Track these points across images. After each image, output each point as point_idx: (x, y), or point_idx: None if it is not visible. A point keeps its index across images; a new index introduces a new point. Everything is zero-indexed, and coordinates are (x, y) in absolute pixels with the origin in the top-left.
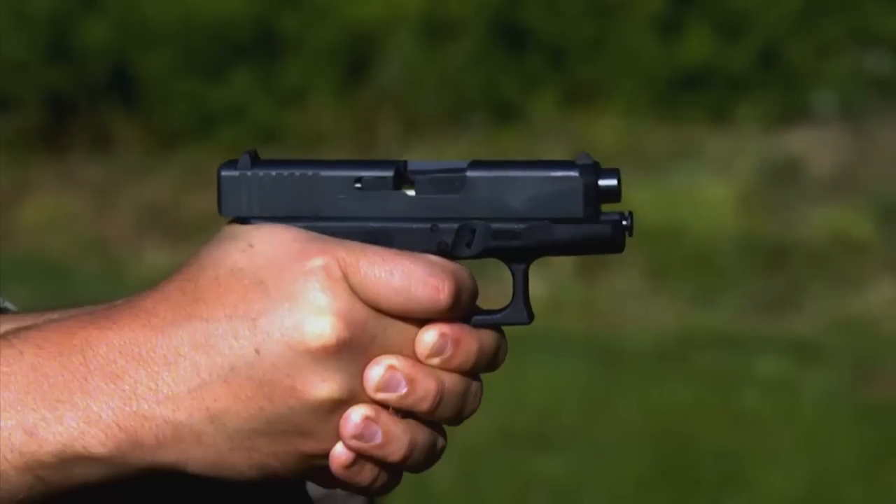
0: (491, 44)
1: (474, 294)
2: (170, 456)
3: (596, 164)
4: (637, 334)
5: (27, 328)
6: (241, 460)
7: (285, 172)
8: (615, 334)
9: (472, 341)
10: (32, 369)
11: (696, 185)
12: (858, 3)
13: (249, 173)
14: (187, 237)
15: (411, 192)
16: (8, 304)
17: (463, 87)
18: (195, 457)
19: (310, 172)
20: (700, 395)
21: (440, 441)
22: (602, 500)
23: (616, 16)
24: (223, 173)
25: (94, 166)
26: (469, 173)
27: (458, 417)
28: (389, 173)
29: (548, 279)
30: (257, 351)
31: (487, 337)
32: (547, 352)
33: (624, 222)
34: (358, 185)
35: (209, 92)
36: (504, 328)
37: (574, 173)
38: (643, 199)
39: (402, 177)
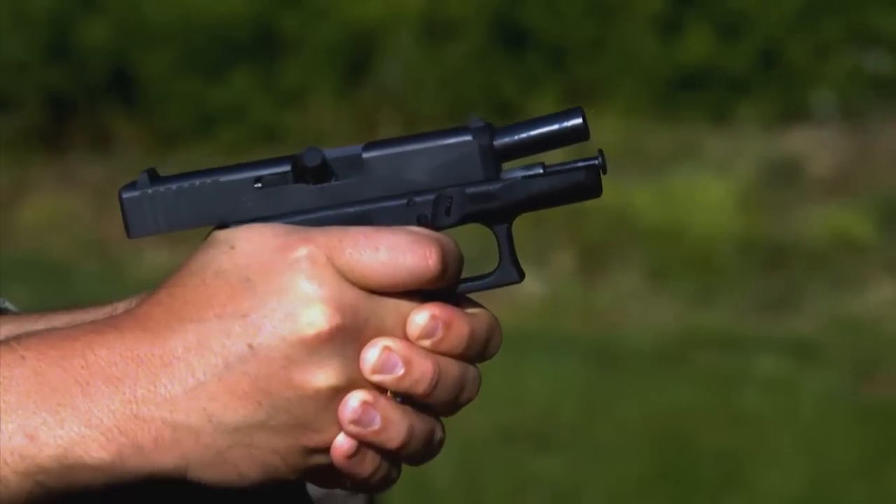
0: (491, 44)
1: (461, 261)
2: (169, 460)
3: (489, 124)
4: (637, 334)
5: (29, 334)
6: (241, 459)
7: (185, 184)
8: (615, 334)
9: (463, 325)
10: (34, 373)
11: (696, 185)
12: (858, 3)
13: (150, 191)
14: (187, 237)
15: (312, 184)
16: (8, 304)
17: (463, 87)
18: (195, 459)
19: (209, 180)
20: (700, 395)
21: (438, 431)
22: (602, 500)
23: (616, 16)
24: (124, 195)
25: (94, 166)
26: (365, 155)
27: (454, 404)
28: (287, 168)
29: (547, 279)
30: (250, 346)
31: (479, 322)
32: (546, 352)
33: (596, 162)
34: (258, 184)
35: (209, 92)
36: (503, 324)
37: (468, 137)
38: (643, 199)
39: (301, 170)
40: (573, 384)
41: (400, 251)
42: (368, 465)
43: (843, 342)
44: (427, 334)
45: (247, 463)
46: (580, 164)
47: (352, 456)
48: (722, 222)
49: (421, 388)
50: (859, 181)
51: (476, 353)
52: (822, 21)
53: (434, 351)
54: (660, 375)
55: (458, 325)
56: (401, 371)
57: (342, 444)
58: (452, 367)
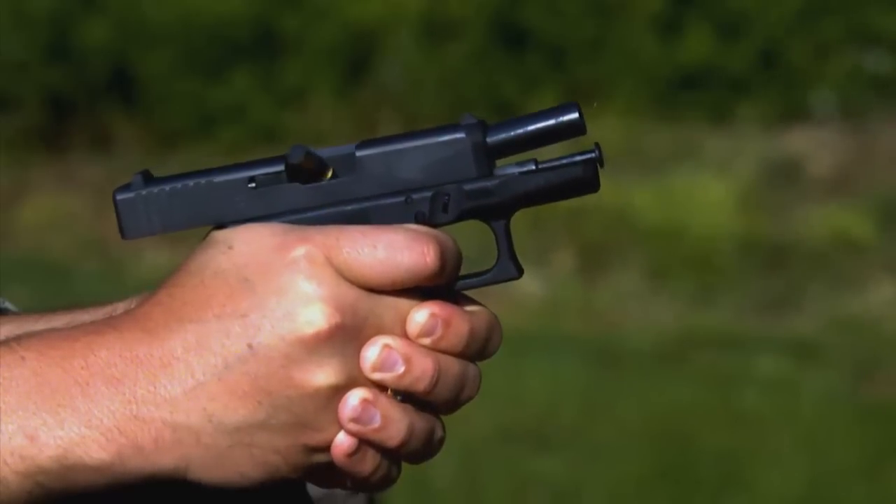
0: (491, 44)
1: (459, 258)
2: (169, 461)
3: (481, 122)
4: (637, 334)
5: (29, 334)
6: (242, 458)
7: (179, 185)
8: (615, 334)
9: (462, 323)
10: (34, 374)
11: (696, 185)
12: (858, 3)
13: (144, 192)
14: (187, 237)
15: (305, 183)
16: (8, 304)
17: (463, 87)
18: (195, 459)
19: (203, 181)
20: (700, 395)
21: (438, 429)
22: (602, 500)
23: (616, 16)
24: (118, 197)
25: (94, 166)
26: (359, 153)
27: (455, 402)
28: (281, 168)
29: (547, 279)
30: (250, 346)
31: (479, 319)
32: (546, 352)
33: (593, 155)
34: (252, 184)
35: (209, 92)
36: (503, 324)
37: (461, 135)
38: (643, 199)
39: (294, 169)
40: (573, 384)
41: (398, 249)
42: (369, 463)
43: (843, 342)
44: (427, 332)
45: (247, 463)
46: (577, 158)
47: (352, 454)
48: (722, 222)
49: (421, 386)
50: (859, 181)
51: (476, 350)
52: (822, 21)
53: (434, 349)
54: (660, 375)
55: (457, 322)
56: (401, 369)
57: (342, 442)
58: (453, 365)
